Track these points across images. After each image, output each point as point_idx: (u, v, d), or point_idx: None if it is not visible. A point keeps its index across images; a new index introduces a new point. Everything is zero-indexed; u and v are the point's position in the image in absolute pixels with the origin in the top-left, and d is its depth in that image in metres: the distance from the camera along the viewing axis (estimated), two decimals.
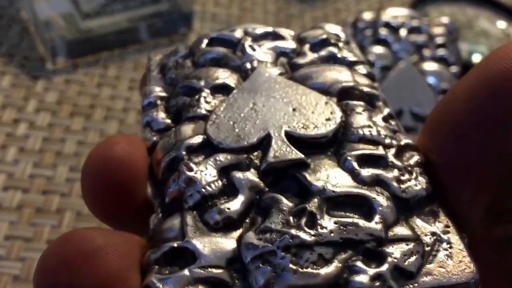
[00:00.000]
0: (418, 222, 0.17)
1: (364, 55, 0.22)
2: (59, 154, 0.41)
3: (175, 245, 0.16)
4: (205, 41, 0.22)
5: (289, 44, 0.22)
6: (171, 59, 0.23)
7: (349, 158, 0.18)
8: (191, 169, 0.18)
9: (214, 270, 0.16)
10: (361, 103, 0.20)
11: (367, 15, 0.50)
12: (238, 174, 0.18)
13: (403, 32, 0.48)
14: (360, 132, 0.18)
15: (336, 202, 0.17)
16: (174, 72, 0.22)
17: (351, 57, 0.22)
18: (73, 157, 0.41)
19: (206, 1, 0.58)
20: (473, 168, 0.17)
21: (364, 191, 0.17)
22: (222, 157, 0.18)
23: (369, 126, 0.19)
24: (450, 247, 0.16)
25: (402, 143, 0.18)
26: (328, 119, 0.19)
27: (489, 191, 0.17)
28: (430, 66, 0.46)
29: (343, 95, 0.20)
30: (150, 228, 0.18)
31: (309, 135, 0.18)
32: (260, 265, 0.16)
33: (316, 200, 0.17)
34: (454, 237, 0.16)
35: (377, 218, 0.16)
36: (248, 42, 0.22)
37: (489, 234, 0.18)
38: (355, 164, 0.18)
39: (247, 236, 0.16)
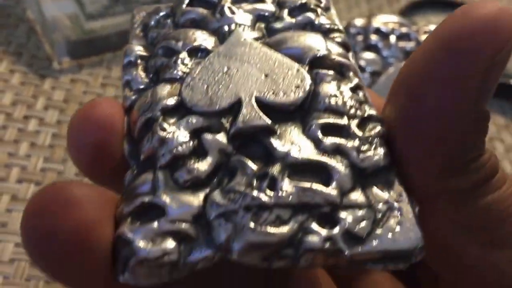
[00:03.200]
0: (374, 191, 0.18)
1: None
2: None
3: (147, 200, 0.17)
4: (186, 1, 0.24)
5: (269, 7, 0.23)
6: (153, 18, 0.24)
7: (313, 126, 0.19)
8: (164, 130, 0.19)
9: (181, 224, 0.17)
10: (331, 72, 0.20)
11: (359, 21, 0.52)
12: (208, 137, 0.19)
13: (392, 39, 0.50)
14: (327, 101, 0.19)
15: (298, 168, 0.18)
16: (156, 32, 0.23)
17: (327, 25, 0.22)
18: None
19: None
20: (429, 122, 0.18)
21: (324, 159, 0.18)
22: (194, 120, 0.19)
23: (336, 96, 0.19)
24: (400, 215, 0.17)
25: (366, 114, 0.19)
26: (297, 87, 0.20)
27: (446, 144, 0.18)
28: None
29: (315, 64, 0.21)
30: (125, 184, 0.19)
31: (278, 102, 0.19)
32: (223, 222, 0.17)
33: (278, 165, 0.18)
34: (405, 206, 0.17)
35: (334, 184, 0.17)
36: (227, 3, 0.23)
37: (443, 187, 0.19)
38: (318, 133, 0.19)
39: (213, 195, 0.17)
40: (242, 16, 0.23)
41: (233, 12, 0.23)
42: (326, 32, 0.22)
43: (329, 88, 0.20)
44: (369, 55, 0.49)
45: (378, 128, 0.19)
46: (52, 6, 0.50)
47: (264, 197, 0.17)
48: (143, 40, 0.23)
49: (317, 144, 0.18)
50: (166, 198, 0.17)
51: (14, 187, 0.40)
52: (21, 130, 0.44)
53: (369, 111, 0.19)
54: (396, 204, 0.18)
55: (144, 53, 0.22)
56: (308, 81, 0.20)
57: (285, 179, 0.18)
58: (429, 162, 0.19)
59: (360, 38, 0.50)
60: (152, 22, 0.24)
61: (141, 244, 0.16)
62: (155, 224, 0.17)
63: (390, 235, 0.17)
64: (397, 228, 0.17)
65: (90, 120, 0.19)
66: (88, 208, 0.16)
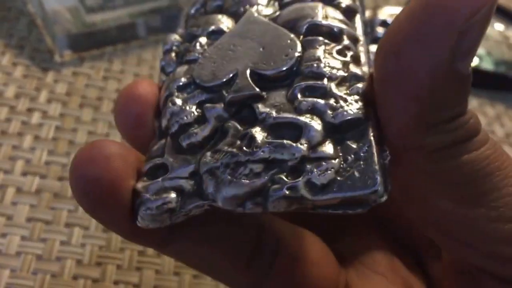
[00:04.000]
0: (346, 144, 0.19)
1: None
2: (71, 143, 0.43)
3: (157, 161, 0.21)
4: None
5: None
6: (192, 9, 0.27)
7: (295, 90, 0.21)
8: (174, 104, 0.22)
9: (179, 180, 0.20)
10: (320, 38, 0.22)
11: None
12: (208, 106, 0.22)
13: None
14: (309, 65, 0.21)
15: (276, 128, 0.20)
16: (192, 21, 0.26)
17: None
18: None
19: None
20: (404, 78, 0.19)
21: (297, 117, 0.20)
22: (200, 94, 0.22)
23: (318, 60, 0.21)
24: (364, 164, 0.19)
25: (348, 73, 0.21)
26: (287, 55, 0.22)
27: (420, 100, 0.19)
28: None
29: (309, 32, 0.22)
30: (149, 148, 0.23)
31: (268, 72, 0.22)
32: (209, 177, 0.20)
33: (259, 126, 0.20)
34: (371, 155, 0.19)
35: (303, 140, 0.19)
36: None
37: (420, 144, 0.20)
38: (298, 95, 0.20)
39: (205, 155, 0.21)
40: None
41: None
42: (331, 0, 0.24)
43: (314, 53, 0.21)
44: (375, 48, 0.48)
45: (357, 85, 0.20)
46: None
47: (240, 154, 0.20)
48: (184, 30, 0.27)
49: (296, 105, 0.20)
50: (170, 159, 0.21)
51: (19, 180, 0.39)
52: (25, 123, 0.43)
53: (354, 70, 0.21)
54: (362, 154, 0.19)
55: (178, 40, 0.26)
56: (298, 49, 0.22)
57: (263, 138, 0.20)
58: (403, 117, 0.19)
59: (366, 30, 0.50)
60: (191, 13, 0.27)
61: (148, 196, 0.20)
62: (160, 180, 0.21)
63: (349, 182, 0.18)
64: (357, 176, 0.19)
65: (131, 96, 0.23)
66: (121, 164, 0.21)
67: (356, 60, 0.22)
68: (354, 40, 0.22)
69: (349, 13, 0.23)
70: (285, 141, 0.19)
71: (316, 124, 0.20)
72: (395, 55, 0.19)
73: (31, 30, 0.51)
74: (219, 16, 0.25)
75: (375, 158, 0.19)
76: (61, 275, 0.35)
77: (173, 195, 0.20)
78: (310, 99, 0.20)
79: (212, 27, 0.25)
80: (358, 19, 0.23)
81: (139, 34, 0.53)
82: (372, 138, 0.19)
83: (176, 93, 0.23)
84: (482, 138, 0.20)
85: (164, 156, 0.21)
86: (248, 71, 0.22)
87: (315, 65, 0.21)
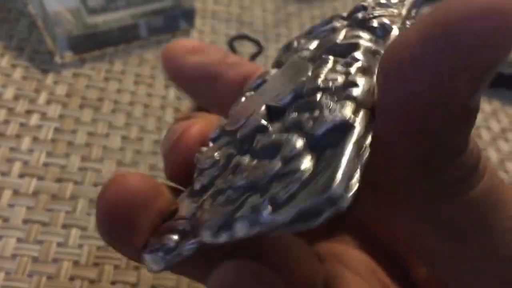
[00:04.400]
0: (324, 153, 0.17)
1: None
2: (70, 144, 0.42)
3: (173, 207, 0.22)
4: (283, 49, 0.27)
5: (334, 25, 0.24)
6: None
7: (289, 112, 0.20)
8: (201, 152, 0.23)
9: (180, 222, 0.21)
10: (330, 56, 0.21)
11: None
12: (224, 148, 0.22)
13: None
14: (307, 84, 0.20)
15: (263, 152, 0.19)
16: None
17: (371, 15, 0.22)
18: (84, 147, 0.42)
19: None
20: (408, 110, 0.16)
21: (278, 137, 0.19)
22: (223, 139, 0.23)
23: (317, 77, 0.20)
24: (329, 169, 0.16)
25: (345, 82, 0.19)
26: (296, 84, 0.21)
27: (419, 137, 0.17)
28: None
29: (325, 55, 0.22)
30: None
31: (278, 103, 0.21)
32: (199, 211, 0.20)
33: (250, 153, 0.20)
34: (338, 159, 0.16)
35: (279, 157, 0.18)
36: (297, 39, 0.26)
37: (418, 185, 0.18)
38: (292, 115, 0.19)
39: (206, 193, 0.21)
40: (307, 45, 0.24)
41: (299, 43, 0.25)
42: (361, 23, 0.22)
43: (317, 71, 0.20)
44: None
45: (349, 89, 0.18)
46: (53, 0, 0.50)
47: (222, 183, 0.20)
48: None
49: (285, 125, 0.20)
50: (182, 203, 0.22)
51: (16, 182, 0.39)
52: (23, 124, 0.43)
53: (352, 78, 0.19)
54: (331, 159, 0.16)
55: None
56: (308, 74, 0.21)
57: (245, 163, 0.20)
58: (400, 160, 0.18)
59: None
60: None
61: (151, 239, 0.21)
62: (167, 223, 0.21)
63: (308, 191, 0.16)
64: (318, 183, 0.16)
65: (178, 143, 0.24)
66: (149, 212, 0.21)
67: (365, 70, 0.19)
68: (372, 52, 0.20)
69: (384, 31, 0.21)
70: (262, 162, 0.19)
71: (295, 138, 0.18)
72: (401, 80, 0.16)
73: (31, 32, 0.51)
74: (271, 70, 0.25)
75: (342, 161, 0.16)
76: (58, 276, 0.34)
77: (174, 236, 0.20)
78: (296, 115, 0.19)
79: (259, 80, 0.25)
80: (393, 35, 0.21)
81: (141, 35, 0.52)
82: (348, 141, 0.17)
83: (209, 143, 0.23)
84: (481, 169, 0.19)
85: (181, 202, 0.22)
86: (263, 108, 0.21)
87: (312, 81, 0.20)
